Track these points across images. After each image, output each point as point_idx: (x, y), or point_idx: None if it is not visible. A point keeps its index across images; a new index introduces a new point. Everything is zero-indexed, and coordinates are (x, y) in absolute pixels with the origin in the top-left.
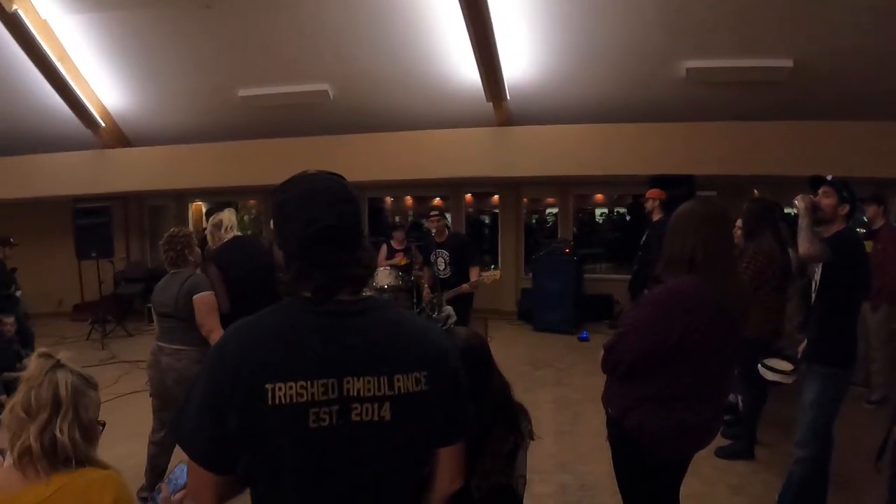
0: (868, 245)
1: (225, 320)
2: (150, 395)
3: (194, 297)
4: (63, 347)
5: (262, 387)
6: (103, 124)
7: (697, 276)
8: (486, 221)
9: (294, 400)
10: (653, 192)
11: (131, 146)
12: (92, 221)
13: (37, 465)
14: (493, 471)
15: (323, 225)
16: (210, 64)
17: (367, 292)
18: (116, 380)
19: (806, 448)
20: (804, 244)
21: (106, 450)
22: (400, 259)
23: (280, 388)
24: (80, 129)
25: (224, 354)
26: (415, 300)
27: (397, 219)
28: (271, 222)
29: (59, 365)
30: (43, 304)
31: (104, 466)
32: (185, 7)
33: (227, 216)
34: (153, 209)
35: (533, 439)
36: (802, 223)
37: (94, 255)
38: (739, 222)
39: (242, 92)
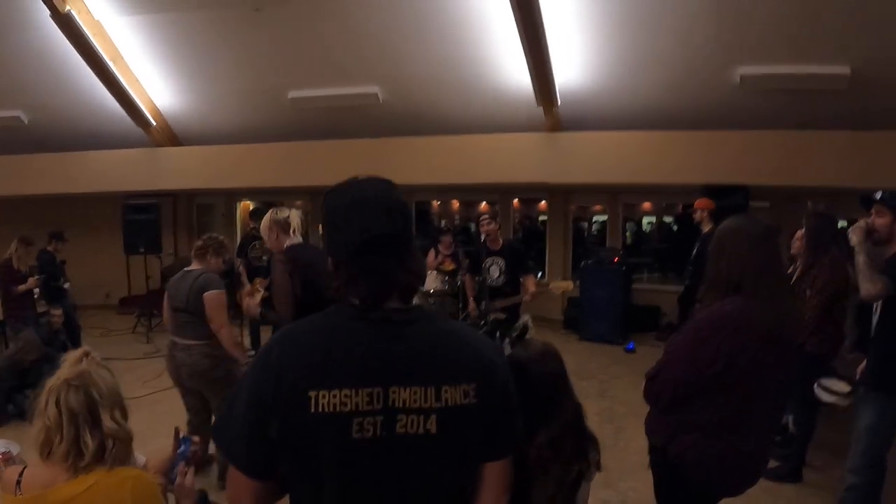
0: None
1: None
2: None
3: (205, 294)
4: (107, 341)
5: (305, 394)
6: (154, 123)
7: (744, 299)
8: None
9: (337, 409)
10: (701, 202)
11: (181, 145)
12: (141, 217)
13: (71, 463)
14: (554, 499)
15: (374, 234)
16: (260, 66)
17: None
18: (160, 374)
19: (858, 475)
20: (865, 285)
21: (146, 443)
22: (447, 264)
23: (323, 396)
24: (131, 128)
25: (268, 361)
26: (461, 305)
27: (444, 223)
28: (320, 227)
29: (95, 365)
30: (90, 296)
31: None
32: (236, 10)
33: (296, 218)
34: (201, 207)
35: (600, 470)
36: (860, 260)
37: (141, 250)
38: (799, 234)
39: (292, 94)
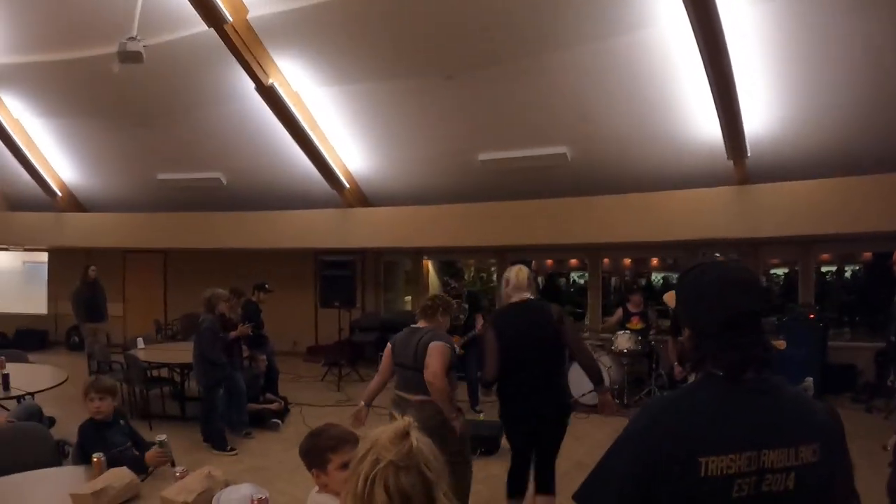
0: None
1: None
2: None
3: (430, 344)
4: (298, 386)
5: (696, 459)
6: (348, 186)
7: None
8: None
9: (724, 472)
10: None
11: (371, 206)
12: (336, 273)
13: None
14: None
15: (741, 311)
16: (451, 130)
17: (605, 355)
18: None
19: None
20: None
21: None
22: (635, 322)
23: (713, 461)
24: (326, 190)
25: (655, 430)
26: (654, 365)
27: (641, 281)
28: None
29: (421, 440)
30: (278, 343)
31: None
32: (428, 78)
33: (516, 273)
34: (388, 264)
35: None
36: None
37: (336, 304)
38: None
39: (482, 156)
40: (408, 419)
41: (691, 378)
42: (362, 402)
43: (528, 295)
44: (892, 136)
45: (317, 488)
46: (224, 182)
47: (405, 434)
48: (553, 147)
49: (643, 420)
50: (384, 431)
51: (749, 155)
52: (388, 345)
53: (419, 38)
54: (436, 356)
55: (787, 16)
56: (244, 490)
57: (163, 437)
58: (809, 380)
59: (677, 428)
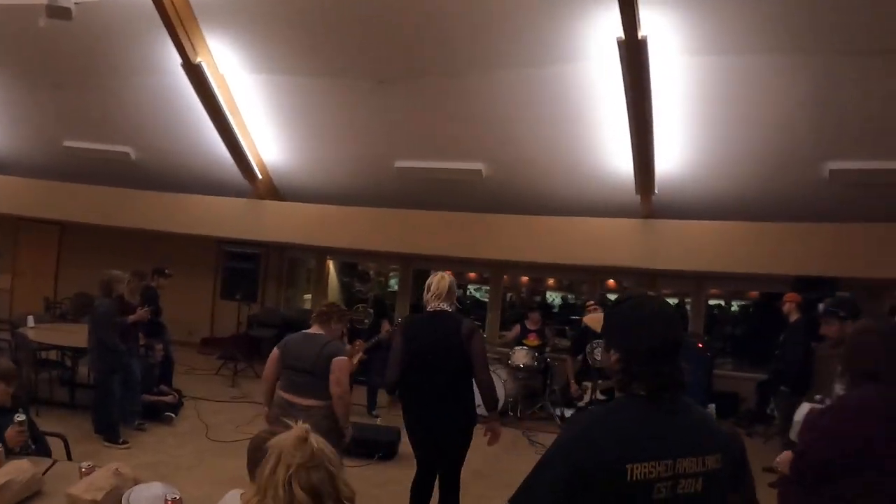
0: None
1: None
2: None
3: (336, 359)
4: (192, 379)
5: (624, 466)
6: (260, 177)
7: (880, 387)
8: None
9: (647, 477)
10: (791, 296)
11: (282, 200)
12: (241, 266)
13: None
14: None
15: (666, 340)
16: (371, 133)
17: (502, 368)
18: (251, 420)
19: None
20: None
21: None
22: (532, 339)
23: (637, 468)
24: (237, 179)
25: (588, 441)
26: (548, 381)
27: (539, 299)
28: None
29: (316, 440)
30: (172, 332)
31: None
32: (358, 80)
33: (437, 282)
34: (291, 261)
35: None
36: None
37: (238, 297)
38: None
39: (399, 163)
40: (303, 425)
41: (586, 397)
42: (267, 407)
43: (444, 305)
44: (783, 191)
45: (240, 493)
46: (133, 158)
47: (305, 439)
48: (469, 163)
49: (575, 432)
50: (285, 440)
51: (656, 192)
52: (275, 351)
53: (357, 39)
54: (344, 372)
55: (711, 71)
56: (155, 489)
57: (21, 416)
58: (712, 406)
59: (607, 439)
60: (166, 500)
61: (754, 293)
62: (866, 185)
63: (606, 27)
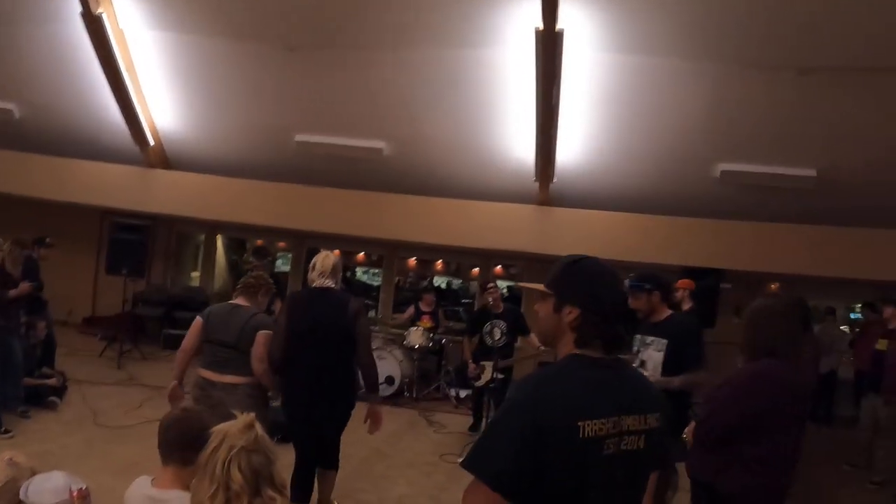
0: (883, 344)
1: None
2: None
3: (260, 332)
4: (74, 361)
5: (576, 423)
6: (152, 143)
7: (777, 360)
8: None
9: (597, 433)
10: (683, 283)
11: (173, 169)
12: (129, 238)
13: None
14: None
15: (623, 302)
16: (273, 104)
17: (397, 349)
18: (140, 404)
19: None
20: None
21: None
22: (425, 321)
23: (589, 425)
24: (128, 145)
25: (541, 400)
26: (442, 361)
27: (431, 282)
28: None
29: (260, 428)
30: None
31: None
32: (265, 46)
33: (322, 259)
34: (180, 235)
35: None
36: None
37: (124, 271)
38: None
39: (299, 137)
40: (251, 415)
41: (484, 376)
42: (175, 381)
43: (330, 283)
44: (676, 188)
45: (150, 479)
46: (16, 116)
47: (251, 425)
48: (371, 140)
49: (528, 391)
50: (232, 425)
51: (555, 180)
52: (199, 319)
53: (269, 2)
54: (264, 344)
55: (619, 69)
56: (56, 480)
57: None
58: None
59: (560, 397)
60: (72, 493)
61: None
62: (753, 186)
63: (525, 16)
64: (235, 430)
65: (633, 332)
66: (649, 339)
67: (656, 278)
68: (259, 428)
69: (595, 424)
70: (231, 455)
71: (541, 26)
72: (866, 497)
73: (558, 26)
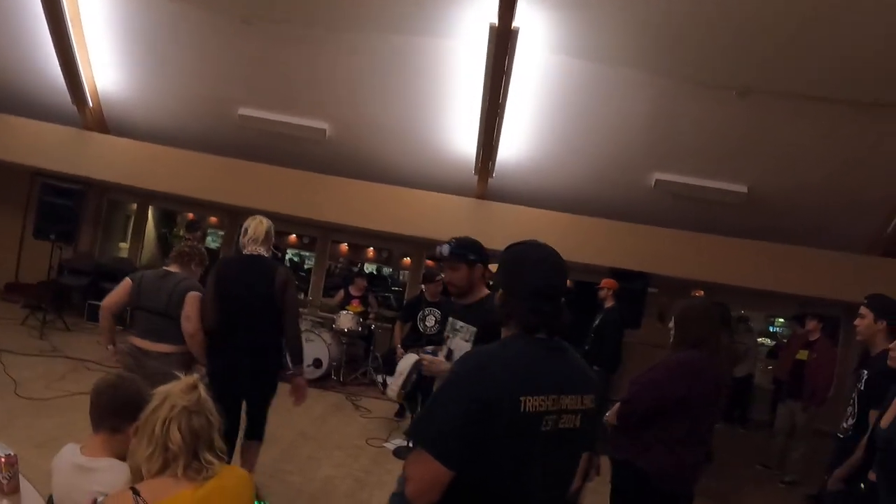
0: (803, 354)
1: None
2: None
3: (189, 293)
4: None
5: (518, 398)
6: (91, 104)
7: (699, 352)
8: None
9: (537, 409)
10: (608, 282)
11: (108, 134)
12: (59, 201)
13: (193, 476)
14: None
15: (552, 284)
16: (220, 75)
17: (326, 332)
18: (63, 375)
19: None
20: None
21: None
22: (355, 305)
23: (530, 400)
24: (64, 104)
25: (485, 374)
26: (370, 346)
27: (364, 267)
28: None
29: (205, 391)
30: None
31: None
32: (224, 17)
33: (255, 225)
34: (111, 203)
35: None
36: None
37: (52, 236)
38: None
39: (242, 111)
40: (196, 376)
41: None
42: (111, 346)
43: (261, 250)
44: (611, 192)
45: (78, 447)
46: None
47: (194, 386)
48: (315, 120)
49: (472, 366)
50: (175, 385)
51: (493, 176)
52: (128, 280)
53: None
54: (195, 307)
55: (568, 72)
56: None
57: None
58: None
59: (503, 373)
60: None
61: (570, 283)
62: (686, 197)
63: (482, 10)
64: (178, 389)
65: (564, 315)
66: (459, 324)
67: (481, 249)
68: (203, 390)
69: (535, 400)
70: (172, 415)
71: (496, 22)
72: (777, 496)
73: (514, 24)
